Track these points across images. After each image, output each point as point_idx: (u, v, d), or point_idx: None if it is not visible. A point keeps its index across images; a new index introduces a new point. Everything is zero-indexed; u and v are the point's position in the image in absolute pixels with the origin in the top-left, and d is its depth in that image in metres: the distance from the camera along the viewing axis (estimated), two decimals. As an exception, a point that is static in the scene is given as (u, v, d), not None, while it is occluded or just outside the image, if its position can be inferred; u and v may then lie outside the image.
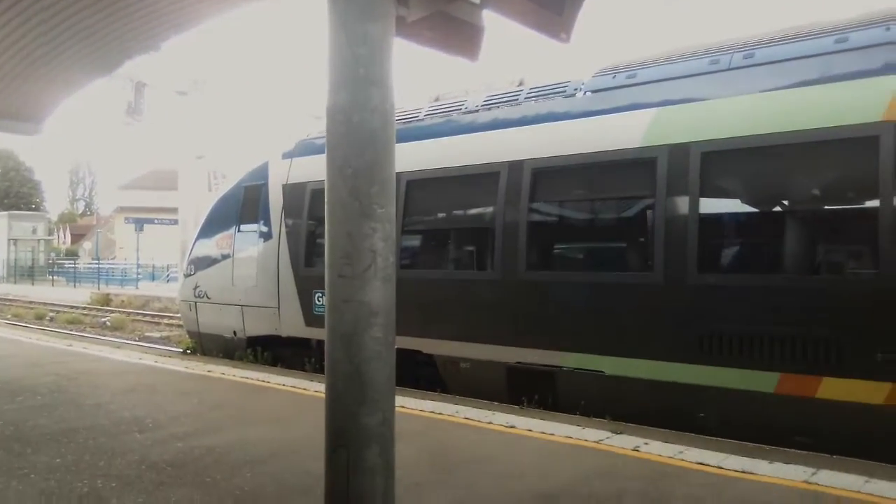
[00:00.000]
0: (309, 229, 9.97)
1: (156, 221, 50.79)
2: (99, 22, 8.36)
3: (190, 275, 12.16)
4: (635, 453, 5.68)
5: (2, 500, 4.66)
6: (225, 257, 11.34)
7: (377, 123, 3.05)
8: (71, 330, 20.70)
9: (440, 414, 7.07)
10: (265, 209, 10.70)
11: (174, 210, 29.50)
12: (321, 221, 9.37)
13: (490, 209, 8.14)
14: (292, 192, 10.26)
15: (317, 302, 9.63)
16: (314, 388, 8.39)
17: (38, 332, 17.53)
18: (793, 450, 5.72)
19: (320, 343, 9.66)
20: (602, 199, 7.75)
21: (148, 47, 9.68)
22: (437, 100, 9.44)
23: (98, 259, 47.87)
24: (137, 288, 35.38)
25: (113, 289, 35.25)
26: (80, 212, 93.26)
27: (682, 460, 5.45)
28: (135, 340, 17.83)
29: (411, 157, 8.49)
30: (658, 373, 6.68)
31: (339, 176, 3.05)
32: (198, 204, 22.25)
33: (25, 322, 23.57)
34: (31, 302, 31.58)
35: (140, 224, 43.54)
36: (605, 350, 7.06)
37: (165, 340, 17.83)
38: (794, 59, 6.47)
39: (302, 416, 7.10)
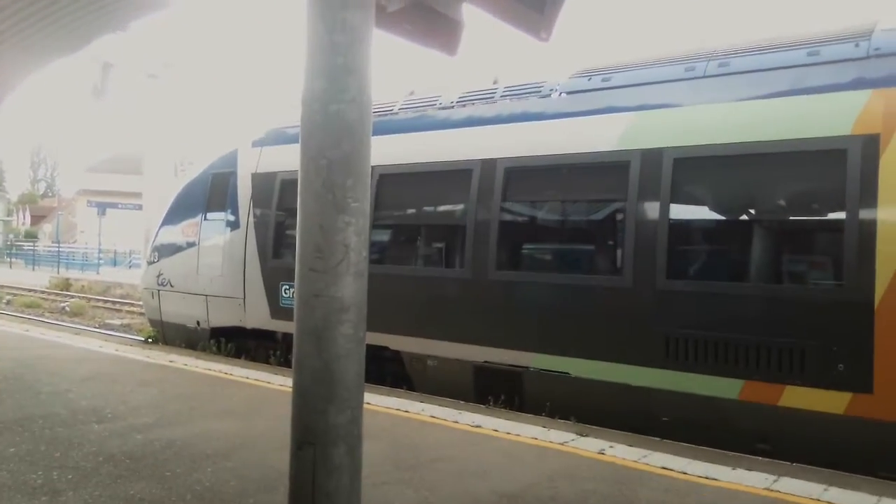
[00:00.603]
0: (277, 220, 9.84)
1: (119, 206, 49.90)
2: (63, -1, 8.11)
3: (153, 262, 11.92)
4: (600, 456, 5.69)
5: (-51, 490, 4.49)
6: (190, 245, 11.13)
7: (354, 114, 2.98)
8: (29, 314, 20.18)
9: (406, 411, 7.01)
10: (233, 198, 10.52)
11: (138, 195, 28.97)
12: (290, 213, 9.34)
13: (461, 207, 8.10)
14: (262, 182, 10.11)
15: (283, 294, 9.51)
16: (279, 381, 8.28)
17: (-7, 315, 17.08)
18: (755, 457, 5.78)
19: (286, 336, 9.54)
20: (574, 201, 7.76)
21: (115, 27, 9.43)
22: (411, 94, 9.36)
23: (58, 242, 46.84)
24: (98, 273, 34.69)
25: (73, 273, 34.52)
26: (41, 193, 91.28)
27: (647, 464, 5.47)
28: (95, 327, 17.43)
29: (384, 151, 8.40)
30: (624, 376, 6.71)
31: (312, 167, 2.97)
32: (163, 189, 21.88)
33: (-20, 305, 22.94)
34: (-13, 284, 30.75)
35: (102, 208, 42.75)
36: (572, 352, 7.08)
37: (126, 328, 17.47)
38: (767, 70, 6.52)
39: (266, 410, 6.99)
